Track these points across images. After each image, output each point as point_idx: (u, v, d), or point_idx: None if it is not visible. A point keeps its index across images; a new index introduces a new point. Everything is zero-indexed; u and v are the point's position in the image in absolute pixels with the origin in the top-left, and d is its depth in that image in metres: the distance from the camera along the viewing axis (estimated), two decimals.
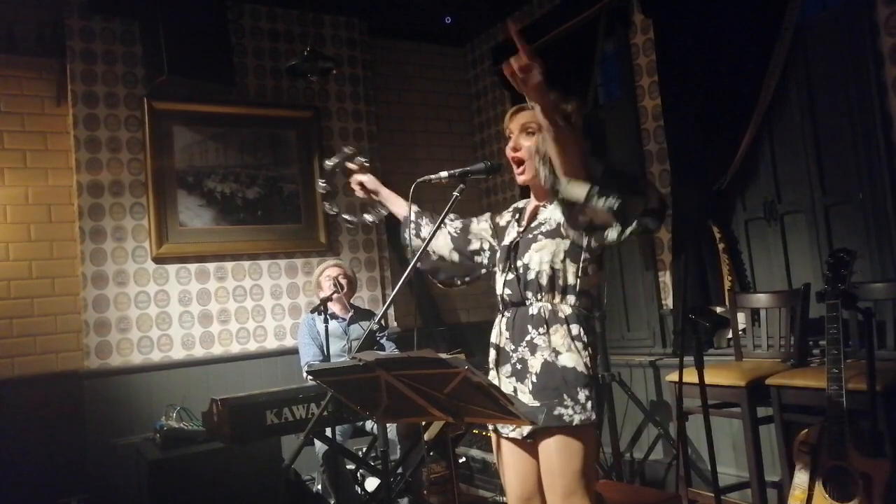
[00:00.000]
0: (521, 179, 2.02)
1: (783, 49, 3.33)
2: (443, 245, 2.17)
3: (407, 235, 2.16)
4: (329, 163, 2.25)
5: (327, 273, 3.85)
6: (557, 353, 1.89)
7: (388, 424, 3.23)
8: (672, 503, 2.87)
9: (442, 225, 2.10)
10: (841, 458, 2.33)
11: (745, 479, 3.12)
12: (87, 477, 3.81)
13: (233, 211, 4.36)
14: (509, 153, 2.02)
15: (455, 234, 2.18)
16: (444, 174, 2.05)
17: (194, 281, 4.22)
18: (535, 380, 1.90)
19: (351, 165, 2.24)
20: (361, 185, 2.23)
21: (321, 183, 2.36)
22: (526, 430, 1.92)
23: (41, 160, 4.01)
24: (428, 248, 2.11)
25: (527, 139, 1.98)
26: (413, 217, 2.17)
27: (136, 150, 4.12)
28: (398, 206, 2.21)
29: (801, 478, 2.45)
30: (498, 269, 2.08)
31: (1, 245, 3.87)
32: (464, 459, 4.07)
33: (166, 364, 4.06)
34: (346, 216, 2.30)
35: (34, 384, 3.82)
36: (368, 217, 2.29)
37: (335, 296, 3.74)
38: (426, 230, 2.16)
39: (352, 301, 3.95)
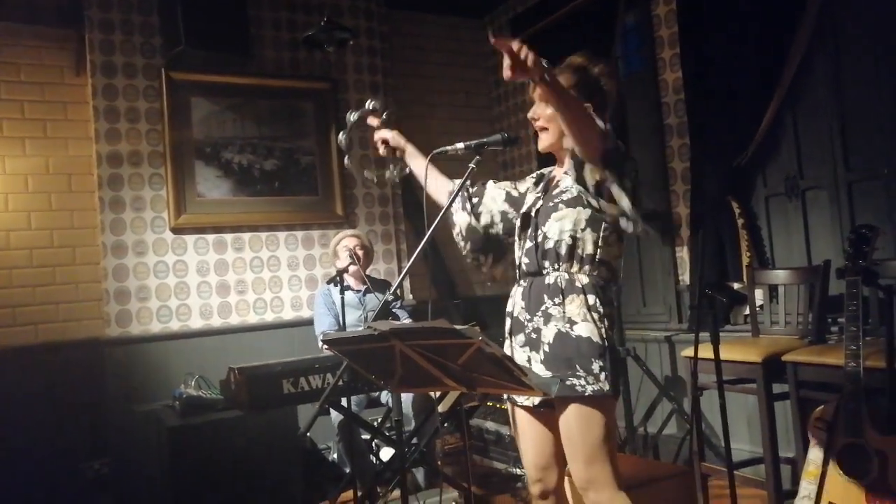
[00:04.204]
0: (540, 146, 2.03)
1: (810, 21, 3.25)
2: (462, 221, 2.16)
3: (454, 208, 2.14)
4: (351, 117, 2.16)
5: (345, 243, 3.85)
6: (573, 322, 1.88)
7: (402, 396, 3.25)
8: (685, 477, 2.88)
9: (461, 198, 2.11)
10: (857, 435, 2.32)
11: (759, 454, 3.12)
12: (108, 442, 3.89)
13: (250, 182, 4.38)
14: (531, 120, 2.04)
15: (472, 209, 2.17)
16: (460, 145, 2.04)
17: (212, 251, 4.25)
18: (546, 349, 1.90)
19: (373, 121, 2.16)
20: (384, 141, 2.17)
21: (341, 137, 2.22)
22: (539, 399, 1.93)
23: (61, 130, 4.04)
24: (457, 228, 2.15)
25: (546, 107, 1.98)
26: (455, 189, 2.11)
27: (154, 120, 4.13)
28: (421, 164, 2.13)
29: (815, 454, 2.44)
30: (516, 238, 2.07)
31: (23, 214, 3.93)
32: (478, 431, 4.11)
33: (185, 333, 4.11)
34: (365, 173, 2.24)
35: (56, 351, 3.90)
36: (388, 174, 2.23)
37: (351, 268, 3.75)
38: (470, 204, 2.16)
39: (368, 273, 3.97)
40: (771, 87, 3.40)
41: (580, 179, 1.87)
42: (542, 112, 2.00)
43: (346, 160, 2.24)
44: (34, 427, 3.78)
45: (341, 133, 2.19)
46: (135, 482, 3.78)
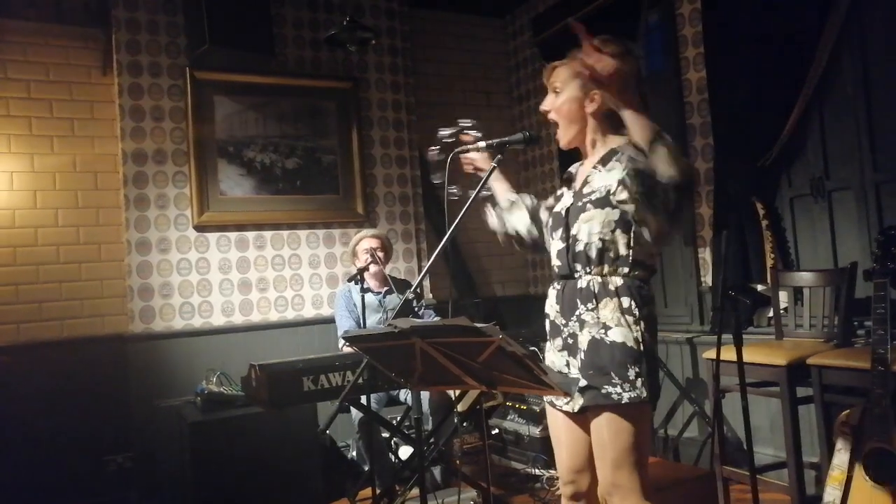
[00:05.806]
0: (560, 142, 2.01)
1: (837, 19, 3.20)
2: (519, 222, 2.16)
3: (493, 220, 2.20)
4: (445, 132, 2.13)
5: (364, 244, 3.86)
6: (607, 328, 1.83)
7: (421, 395, 3.26)
8: (706, 481, 2.85)
9: (500, 201, 2.17)
10: (884, 439, 2.28)
11: (782, 458, 3.08)
12: (131, 437, 3.94)
13: (272, 181, 4.41)
14: (543, 111, 2.03)
15: (530, 208, 2.17)
16: (481, 144, 2.04)
17: (234, 249, 4.29)
18: (583, 357, 1.87)
19: (465, 137, 2.14)
20: (471, 162, 2.14)
21: (433, 151, 2.14)
22: (578, 404, 1.89)
23: (88, 128, 4.11)
24: (507, 227, 2.17)
25: (556, 99, 1.98)
26: (504, 205, 2.18)
27: (178, 119, 4.18)
28: (503, 191, 2.18)
29: (840, 459, 2.41)
30: (551, 238, 2.02)
31: (50, 211, 3.99)
32: (497, 431, 4.10)
33: (207, 330, 4.15)
34: (452, 189, 2.13)
35: (82, 346, 3.96)
36: (460, 191, 2.15)
37: (372, 267, 3.75)
38: (511, 216, 2.17)
39: (388, 272, 3.97)
40: (797, 87, 3.35)
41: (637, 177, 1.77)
42: (551, 104, 1.98)
43: (432, 177, 2.19)
44: (58, 420, 3.84)
45: (433, 148, 2.12)
46: (157, 476, 3.83)
